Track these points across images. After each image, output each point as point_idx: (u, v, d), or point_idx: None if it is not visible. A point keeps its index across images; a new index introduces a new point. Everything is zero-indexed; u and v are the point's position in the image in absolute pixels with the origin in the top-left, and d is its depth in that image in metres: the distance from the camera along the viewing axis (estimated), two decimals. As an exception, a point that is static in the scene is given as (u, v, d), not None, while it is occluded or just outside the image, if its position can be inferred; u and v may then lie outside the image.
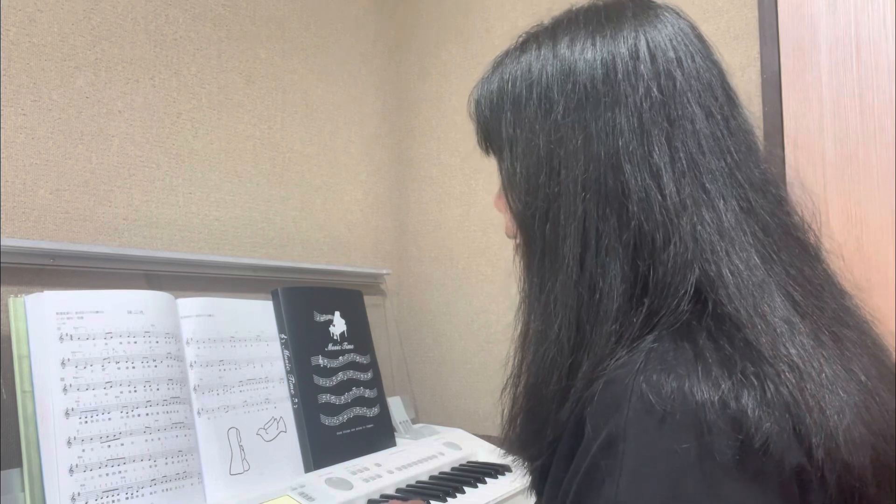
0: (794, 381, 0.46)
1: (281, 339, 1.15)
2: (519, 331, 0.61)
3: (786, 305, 0.50)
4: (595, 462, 0.48)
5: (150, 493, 0.87)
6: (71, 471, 0.81)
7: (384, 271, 1.58)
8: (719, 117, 0.56)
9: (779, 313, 0.49)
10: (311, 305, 1.21)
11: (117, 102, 1.10)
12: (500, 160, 0.62)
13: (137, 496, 0.86)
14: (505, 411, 0.62)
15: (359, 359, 1.27)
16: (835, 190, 1.18)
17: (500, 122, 0.61)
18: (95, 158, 1.07)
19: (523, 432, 0.60)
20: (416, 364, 1.66)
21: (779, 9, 1.24)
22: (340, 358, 1.23)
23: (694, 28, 0.59)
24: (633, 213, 0.52)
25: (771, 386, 0.45)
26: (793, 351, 0.47)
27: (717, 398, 0.44)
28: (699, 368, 0.46)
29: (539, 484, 0.59)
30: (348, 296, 1.31)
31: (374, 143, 1.65)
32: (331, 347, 1.22)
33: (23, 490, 0.81)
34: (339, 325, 1.25)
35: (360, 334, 1.29)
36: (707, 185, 0.53)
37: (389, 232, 1.69)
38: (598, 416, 0.49)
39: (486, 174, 1.58)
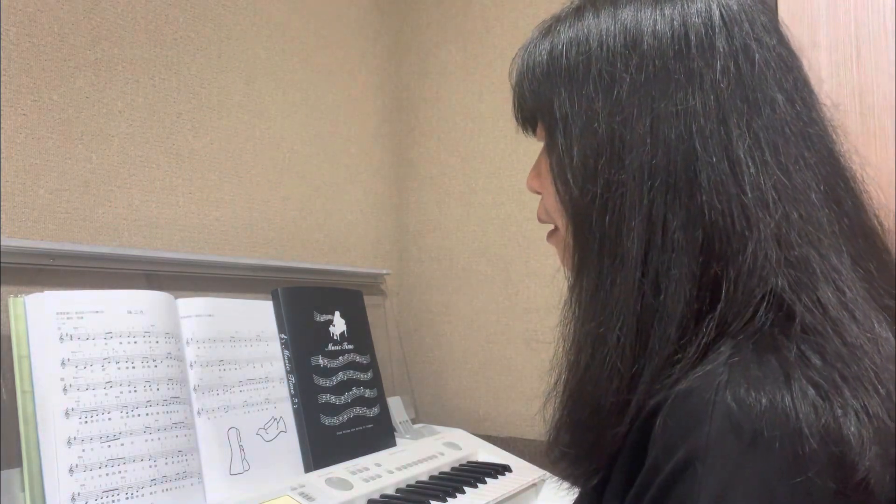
0: (885, 396, 0.41)
1: (281, 339, 1.15)
2: (569, 332, 0.54)
3: (878, 316, 0.45)
4: (666, 486, 0.42)
5: (150, 493, 0.87)
6: (71, 471, 0.81)
7: (384, 271, 1.58)
8: (801, 103, 0.50)
9: (874, 324, 0.44)
10: (311, 305, 1.21)
11: (117, 102, 1.10)
12: (550, 140, 0.55)
13: (137, 496, 0.86)
14: (552, 421, 0.55)
15: (359, 359, 1.27)
16: (835, 190, 1.18)
17: (551, 97, 0.54)
18: (95, 158, 1.07)
19: (575, 447, 0.53)
20: (416, 364, 1.66)
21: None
22: (340, 358, 1.23)
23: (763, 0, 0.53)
24: (705, 206, 0.47)
25: (870, 407, 0.40)
26: (881, 364, 0.42)
27: (816, 422, 0.39)
28: (792, 386, 0.41)
29: (591, 496, 0.53)
30: (348, 296, 1.31)
31: (374, 143, 1.65)
32: (331, 347, 1.22)
33: (23, 490, 0.80)
34: (339, 325, 1.25)
35: (360, 334, 1.29)
36: (795, 177, 0.47)
37: (389, 232, 1.69)
38: (671, 434, 0.43)
39: (485, 174, 1.58)
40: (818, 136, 0.50)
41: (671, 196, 0.48)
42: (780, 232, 0.46)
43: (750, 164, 0.47)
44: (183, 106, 1.20)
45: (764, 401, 0.40)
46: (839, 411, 0.40)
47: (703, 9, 0.50)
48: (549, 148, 0.56)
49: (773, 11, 0.53)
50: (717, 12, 0.50)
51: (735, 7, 0.51)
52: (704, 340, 0.46)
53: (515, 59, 0.58)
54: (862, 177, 0.52)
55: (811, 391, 0.40)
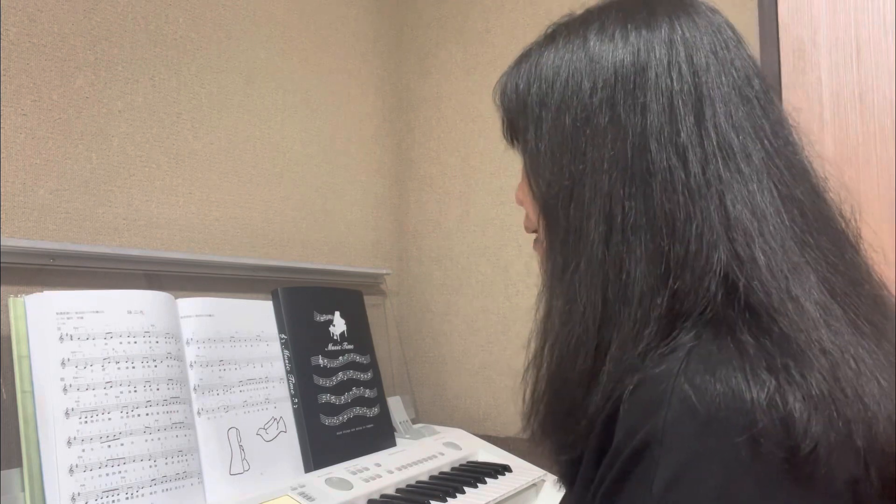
0: (828, 368, 0.44)
1: (281, 339, 1.15)
2: (541, 312, 0.59)
3: (821, 290, 0.49)
4: (626, 467, 0.46)
5: (150, 493, 0.87)
6: (71, 471, 0.81)
7: (384, 271, 1.58)
8: (757, 104, 0.55)
9: (814, 297, 0.48)
10: (311, 305, 1.21)
11: (117, 102, 1.10)
12: (525, 143, 0.61)
13: (137, 496, 0.86)
14: (526, 396, 0.60)
15: (359, 359, 1.27)
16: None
17: (525, 105, 0.60)
18: (95, 158, 1.07)
19: (548, 418, 0.58)
20: (416, 364, 1.66)
21: (779, 9, 1.24)
22: (340, 358, 1.23)
23: (730, 24, 0.58)
24: (656, 192, 0.51)
25: (812, 380, 0.43)
26: (827, 337, 0.46)
27: (765, 400, 0.43)
28: (746, 367, 0.44)
29: (569, 477, 0.57)
30: (348, 296, 1.31)
31: (374, 143, 1.65)
32: (331, 347, 1.22)
33: (23, 490, 0.80)
34: (339, 325, 1.25)
35: (360, 334, 1.29)
36: (742, 165, 0.52)
37: (389, 232, 1.69)
38: (631, 419, 0.47)
39: (485, 174, 1.58)
40: (773, 133, 0.54)
41: (628, 184, 0.53)
42: (723, 213, 0.50)
43: (697, 155, 0.52)
44: (183, 106, 1.20)
45: (719, 386, 0.44)
46: (784, 384, 0.43)
47: (665, 29, 0.56)
48: (524, 148, 0.61)
49: (736, 32, 0.59)
50: (679, 33, 0.55)
51: (695, 31, 0.56)
52: (657, 314, 0.50)
53: (499, 81, 0.64)
54: (825, 176, 0.57)
55: (763, 372, 0.44)
